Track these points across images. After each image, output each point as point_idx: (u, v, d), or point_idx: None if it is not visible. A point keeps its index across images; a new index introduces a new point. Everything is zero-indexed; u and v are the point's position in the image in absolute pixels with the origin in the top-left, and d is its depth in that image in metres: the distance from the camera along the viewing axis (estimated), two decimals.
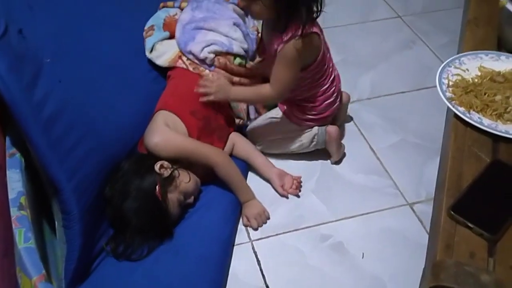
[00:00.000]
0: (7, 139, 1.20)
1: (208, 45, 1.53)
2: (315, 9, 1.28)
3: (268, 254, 1.35)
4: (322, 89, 1.45)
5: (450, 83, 1.05)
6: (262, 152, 1.55)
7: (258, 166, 1.52)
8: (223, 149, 1.48)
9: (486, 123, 0.97)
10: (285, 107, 1.52)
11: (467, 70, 1.08)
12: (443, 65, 1.09)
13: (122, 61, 1.47)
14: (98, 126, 1.27)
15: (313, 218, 1.43)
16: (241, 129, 1.59)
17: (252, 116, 1.62)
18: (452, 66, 1.09)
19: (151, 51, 1.56)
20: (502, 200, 0.85)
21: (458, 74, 1.07)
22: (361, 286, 1.28)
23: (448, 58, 1.11)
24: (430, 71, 1.82)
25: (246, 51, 1.60)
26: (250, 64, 1.61)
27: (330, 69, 1.46)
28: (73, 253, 1.16)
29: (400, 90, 1.82)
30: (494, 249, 0.78)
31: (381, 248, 1.35)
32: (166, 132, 1.37)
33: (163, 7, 1.69)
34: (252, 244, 1.38)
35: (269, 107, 1.60)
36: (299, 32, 1.27)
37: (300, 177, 1.51)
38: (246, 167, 1.53)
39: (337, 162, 1.57)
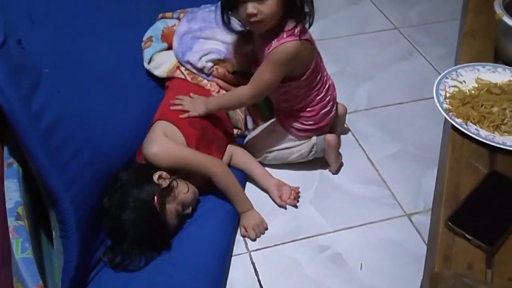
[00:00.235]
0: (5, 148, 1.20)
1: (206, 54, 1.54)
2: (308, 18, 1.30)
3: (266, 265, 1.35)
4: (318, 98, 1.46)
5: (447, 95, 1.05)
6: (261, 163, 1.55)
7: (256, 176, 1.52)
8: (221, 159, 1.48)
9: (483, 134, 0.97)
10: (282, 118, 1.53)
11: (464, 81, 1.09)
12: (440, 76, 1.09)
13: (120, 71, 1.47)
14: (97, 136, 1.27)
15: (311, 228, 1.42)
16: (239, 139, 1.59)
17: (250, 126, 1.62)
18: (449, 78, 1.09)
19: (149, 62, 1.56)
20: (500, 212, 0.85)
21: (455, 86, 1.08)
22: None
23: (445, 69, 1.12)
24: (427, 83, 1.81)
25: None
26: None
27: (325, 78, 1.47)
28: (70, 263, 1.15)
29: (398, 101, 1.83)
30: (492, 261, 0.78)
31: (379, 259, 1.35)
32: (165, 142, 1.37)
33: (162, 18, 1.70)
34: (250, 255, 1.37)
35: (266, 117, 1.61)
36: (292, 37, 1.29)
37: (298, 188, 1.51)
38: (244, 177, 1.53)
39: (336, 172, 1.57)
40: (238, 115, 1.58)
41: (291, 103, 1.47)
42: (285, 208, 1.48)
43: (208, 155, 1.42)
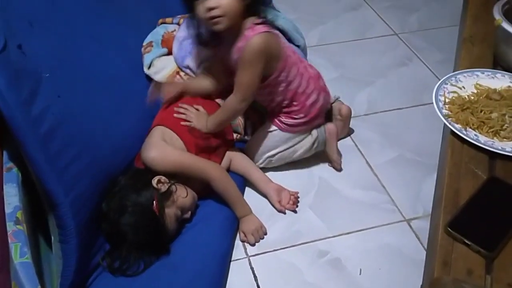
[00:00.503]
0: (4, 153, 1.20)
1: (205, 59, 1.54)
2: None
3: (265, 270, 1.34)
4: (300, 90, 1.46)
5: (447, 100, 1.05)
6: (264, 168, 1.55)
7: (255, 181, 1.52)
8: (220, 164, 1.48)
9: (482, 140, 0.97)
10: (274, 118, 1.53)
11: (464, 87, 1.09)
12: (439, 82, 1.10)
13: (120, 77, 1.47)
14: (96, 141, 1.27)
15: (311, 233, 1.42)
16: (239, 144, 1.59)
17: (249, 130, 1.62)
18: (449, 84, 1.10)
19: (149, 67, 1.56)
20: (499, 217, 0.85)
21: (454, 92, 1.08)
22: None
23: (444, 75, 1.12)
24: (427, 88, 1.82)
25: None
26: None
27: (302, 69, 1.47)
28: (69, 268, 1.15)
29: (397, 107, 1.83)
30: (491, 267, 0.78)
31: (378, 264, 1.35)
32: (163, 147, 1.37)
33: (162, 23, 1.70)
34: (249, 260, 1.37)
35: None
36: (256, 31, 1.31)
37: (297, 193, 1.51)
38: (243, 182, 1.53)
39: (339, 168, 1.58)
40: (238, 119, 1.58)
41: (277, 101, 1.47)
42: (284, 213, 1.48)
43: (206, 160, 1.42)
